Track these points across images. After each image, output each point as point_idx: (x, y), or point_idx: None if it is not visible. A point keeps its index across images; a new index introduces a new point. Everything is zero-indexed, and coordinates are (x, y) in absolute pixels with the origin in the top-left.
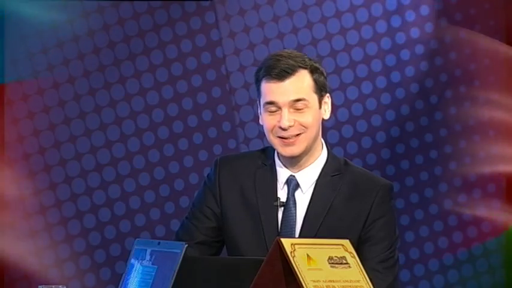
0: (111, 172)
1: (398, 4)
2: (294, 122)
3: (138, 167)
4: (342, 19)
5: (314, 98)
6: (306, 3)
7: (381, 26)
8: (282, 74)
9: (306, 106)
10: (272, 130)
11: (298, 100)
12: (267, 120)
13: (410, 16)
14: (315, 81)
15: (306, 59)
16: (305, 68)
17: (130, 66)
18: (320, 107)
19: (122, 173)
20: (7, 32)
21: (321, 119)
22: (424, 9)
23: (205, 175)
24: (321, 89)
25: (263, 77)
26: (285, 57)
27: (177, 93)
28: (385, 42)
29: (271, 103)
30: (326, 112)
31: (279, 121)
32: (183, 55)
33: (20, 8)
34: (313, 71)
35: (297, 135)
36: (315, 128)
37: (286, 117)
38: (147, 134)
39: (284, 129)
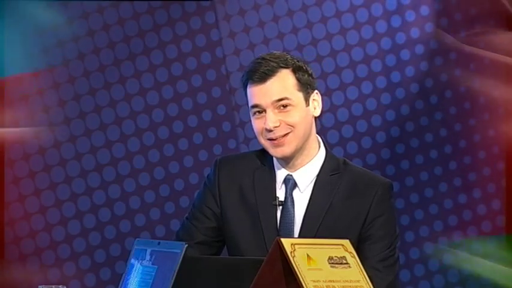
0: (111, 172)
1: (398, 4)
2: (280, 123)
3: (138, 167)
4: (342, 19)
5: (299, 96)
6: (306, 3)
7: (381, 26)
8: (263, 76)
9: (290, 105)
10: (261, 133)
11: (280, 99)
12: (255, 124)
13: (410, 16)
14: (298, 79)
15: (288, 59)
16: (287, 68)
17: (130, 66)
18: (308, 104)
19: (122, 173)
20: (7, 31)
21: (310, 117)
22: (424, 9)
23: (206, 175)
24: (306, 87)
25: (247, 82)
26: (266, 59)
27: (177, 93)
28: (385, 42)
29: (255, 106)
30: (316, 109)
31: (265, 123)
32: (183, 55)
33: (20, 8)
34: (295, 69)
35: (285, 135)
36: (303, 126)
37: (271, 118)
38: (147, 134)
39: (270, 131)
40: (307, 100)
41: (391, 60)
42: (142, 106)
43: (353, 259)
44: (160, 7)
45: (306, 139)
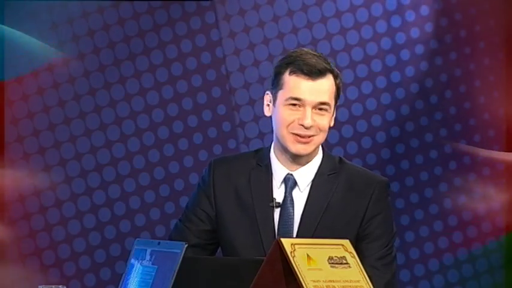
0: (111, 172)
1: (398, 4)
2: (314, 123)
3: (138, 167)
4: (342, 19)
5: (333, 104)
6: (306, 3)
7: (381, 26)
8: (316, 73)
9: (327, 110)
10: (288, 125)
11: (324, 103)
12: (285, 115)
13: (410, 16)
14: (337, 87)
15: (331, 64)
16: (332, 73)
17: (130, 66)
18: (333, 114)
19: (122, 173)
20: (7, 31)
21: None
22: (424, 9)
23: (201, 177)
24: (338, 97)
25: (292, 71)
26: (316, 56)
27: (177, 93)
28: (385, 42)
29: (297, 99)
30: (332, 120)
31: (299, 118)
32: (183, 55)
33: (20, 8)
34: (336, 76)
35: (312, 135)
36: (326, 133)
37: (311, 117)
38: (147, 134)
39: (306, 128)
40: (334, 110)
41: (391, 60)
42: (142, 106)
43: (353, 259)
44: (160, 7)
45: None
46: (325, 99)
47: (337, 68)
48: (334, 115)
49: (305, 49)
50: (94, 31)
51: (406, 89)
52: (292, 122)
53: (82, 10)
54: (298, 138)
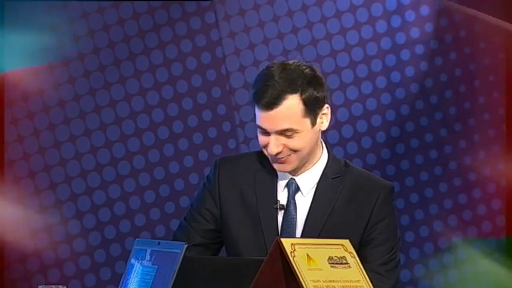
0: (111, 172)
1: (398, 4)
2: (283, 147)
3: (138, 167)
4: (342, 19)
5: (304, 122)
6: (306, 3)
7: (381, 26)
8: (269, 104)
9: (296, 133)
10: (264, 147)
11: (285, 130)
12: (260, 139)
13: (410, 16)
14: (306, 104)
15: (298, 80)
16: (295, 93)
17: (130, 66)
18: (315, 123)
19: (122, 173)
20: (7, 31)
21: (316, 133)
22: (424, 9)
23: (206, 175)
24: (314, 108)
25: (253, 100)
26: (275, 81)
27: (177, 93)
28: (385, 42)
29: (261, 128)
30: (324, 123)
31: (268, 146)
32: (183, 55)
33: (20, 8)
34: (304, 91)
35: (288, 155)
36: (308, 148)
37: (274, 144)
38: (147, 134)
39: (272, 155)
40: (314, 121)
41: (391, 60)
42: (142, 106)
43: (353, 259)
44: (160, 7)
45: (309, 154)
46: (284, 126)
47: (321, 73)
48: (326, 118)
49: (275, 65)
50: (94, 31)
51: (406, 89)
52: (265, 146)
53: (82, 10)
54: (275, 158)
